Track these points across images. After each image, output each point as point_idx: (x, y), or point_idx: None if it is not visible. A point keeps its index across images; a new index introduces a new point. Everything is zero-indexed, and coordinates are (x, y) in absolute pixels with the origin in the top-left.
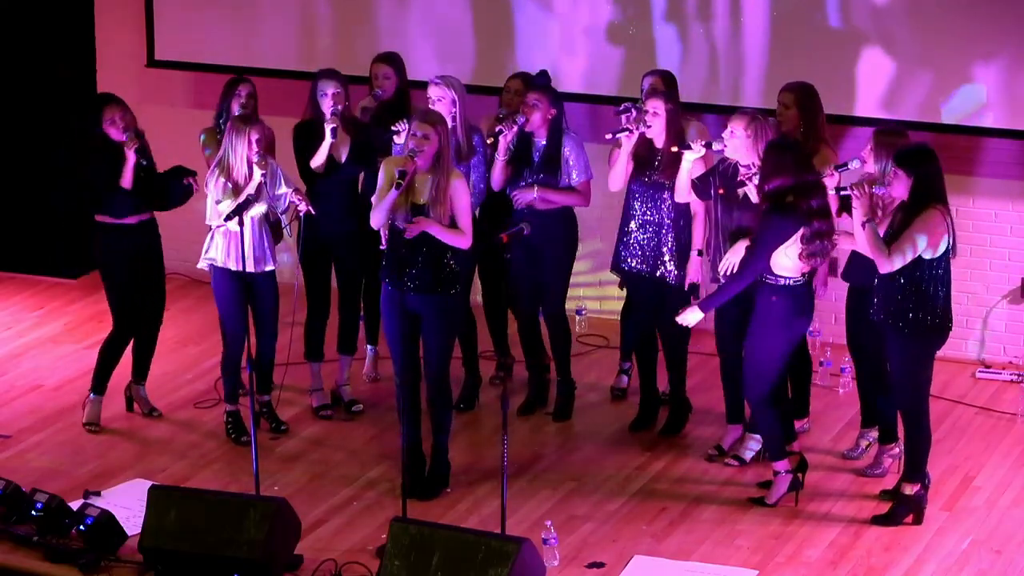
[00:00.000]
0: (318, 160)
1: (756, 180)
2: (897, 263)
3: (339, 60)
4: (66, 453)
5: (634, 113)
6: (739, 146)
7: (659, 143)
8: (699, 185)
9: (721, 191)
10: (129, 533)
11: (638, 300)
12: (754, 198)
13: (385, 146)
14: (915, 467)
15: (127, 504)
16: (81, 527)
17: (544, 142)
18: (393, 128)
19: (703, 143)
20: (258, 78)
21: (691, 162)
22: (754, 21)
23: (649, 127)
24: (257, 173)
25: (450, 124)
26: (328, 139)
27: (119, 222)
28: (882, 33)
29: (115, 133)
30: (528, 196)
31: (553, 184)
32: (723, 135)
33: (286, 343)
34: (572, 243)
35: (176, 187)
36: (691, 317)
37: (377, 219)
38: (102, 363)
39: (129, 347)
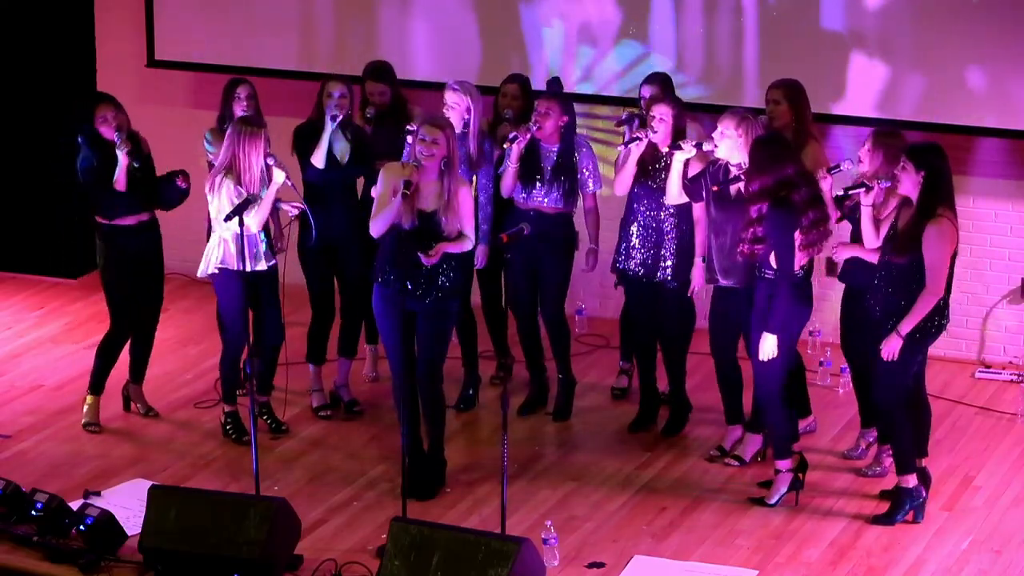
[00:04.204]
0: (319, 156)
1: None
2: (942, 290)
3: (339, 60)
4: (66, 453)
5: (636, 123)
6: (730, 146)
7: (663, 147)
8: (691, 187)
9: (715, 188)
10: (129, 533)
11: (636, 302)
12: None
13: (393, 149)
14: (904, 459)
15: (127, 504)
16: (81, 527)
17: (555, 148)
18: (408, 127)
19: (693, 143)
20: (258, 78)
21: (681, 163)
22: (751, 21)
23: (655, 132)
24: (279, 175)
25: (461, 131)
26: (328, 129)
27: (113, 223)
28: (877, 33)
29: (106, 132)
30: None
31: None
32: (713, 135)
33: (284, 343)
34: (571, 245)
35: (171, 190)
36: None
37: (377, 228)
38: (99, 363)
39: (126, 348)
